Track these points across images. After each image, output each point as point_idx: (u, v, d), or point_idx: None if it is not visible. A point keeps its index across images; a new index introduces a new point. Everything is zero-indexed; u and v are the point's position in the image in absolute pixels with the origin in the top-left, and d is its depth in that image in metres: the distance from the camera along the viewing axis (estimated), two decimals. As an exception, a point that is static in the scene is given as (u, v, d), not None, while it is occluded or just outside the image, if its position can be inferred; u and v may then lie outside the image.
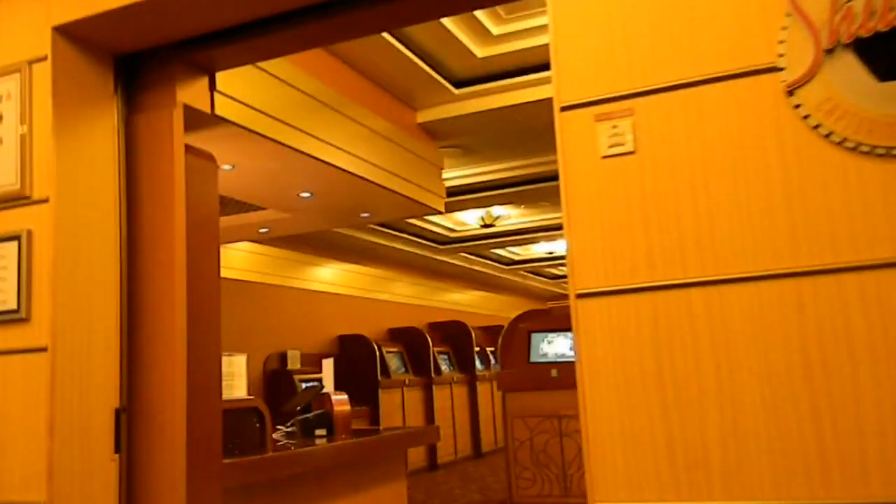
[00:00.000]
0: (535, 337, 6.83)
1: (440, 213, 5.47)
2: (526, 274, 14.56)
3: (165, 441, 2.58)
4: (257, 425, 3.45)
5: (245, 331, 8.24)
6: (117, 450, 2.52)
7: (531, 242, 11.05)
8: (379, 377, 9.44)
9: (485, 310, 15.03)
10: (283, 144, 3.64)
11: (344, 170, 4.12)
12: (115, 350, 2.55)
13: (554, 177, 6.55)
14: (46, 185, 2.39)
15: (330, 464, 3.68)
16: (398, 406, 9.81)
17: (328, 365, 4.76)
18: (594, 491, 1.77)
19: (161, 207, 2.68)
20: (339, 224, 6.05)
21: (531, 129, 5.41)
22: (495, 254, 12.31)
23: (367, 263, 10.56)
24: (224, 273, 7.71)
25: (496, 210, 9.16)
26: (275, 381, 8.21)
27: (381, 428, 8.62)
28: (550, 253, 12.25)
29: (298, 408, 4.69)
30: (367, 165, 4.33)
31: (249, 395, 3.64)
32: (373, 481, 4.14)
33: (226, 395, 3.31)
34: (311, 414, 4.34)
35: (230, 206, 4.85)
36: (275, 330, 8.70)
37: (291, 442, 3.99)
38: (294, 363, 8.50)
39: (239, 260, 8.48)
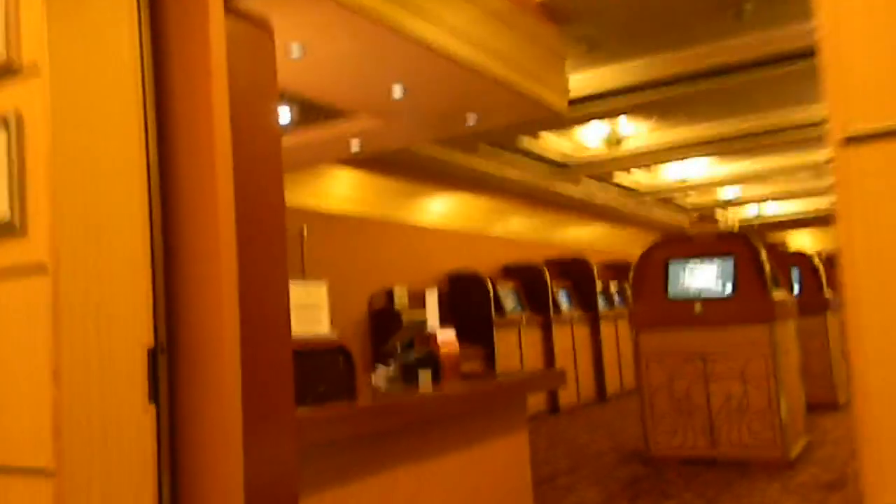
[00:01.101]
0: (673, 267, 5.97)
1: (562, 116, 4.67)
2: (653, 204, 13.48)
3: (214, 387, 2.01)
4: (343, 368, 2.87)
5: (348, 267, 7.77)
6: (152, 399, 1.97)
7: (662, 161, 10.00)
8: (493, 316, 8.83)
9: (607, 245, 14.11)
10: (366, 17, 2.92)
11: (444, 54, 3.37)
12: (144, 273, 1.97)
13: (699, 75, 5.57)
14: (36, 49, 1.80)
15: (434, 415, 3.07)
16: (515, 347, 9.20)
17: (432, 298, 4.14)
18: (879, 488, 1.02)
19: (195, 87, 2.05)
20: (442, 132, 5.29)
21: (676, 9, 4.50)
22: (619, 181, 11.33)
23: (479, 193, 9.88)
24: (324, 204, 7.22)
25: (623, 128, 8.21)
26: (381, 320, 7.74)
27: (496, 371, 8.03)
28: (683, 181, 11.14)
29: (398, 348, 4.12)
30: (474, 49, 3.55)
31: (335, 331, 3.05)
32: (487, 433, 3.51)
33: (303, 330, 2.74)
34: (413, 355, 3.74)
35: (309, 112, 4.23)
36: (380, 266, 8.21)
37: (391, 387, 3.42)
38: (401, 301, 7.99)
39: (341, 190, 7.98)
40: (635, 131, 8.43)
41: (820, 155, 10.76)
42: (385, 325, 7.67)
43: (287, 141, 5.06)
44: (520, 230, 11.17)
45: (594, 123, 8.12)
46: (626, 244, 14.75)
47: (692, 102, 7.19)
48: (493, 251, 10.33)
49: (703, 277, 5.82)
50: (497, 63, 3.72)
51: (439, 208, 9.35)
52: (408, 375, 3.65)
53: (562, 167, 9.81)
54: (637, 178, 11.53)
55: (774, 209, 15.56)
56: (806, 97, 7.82)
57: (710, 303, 5.66)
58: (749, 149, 9.26)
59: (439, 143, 7.85)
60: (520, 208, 10.93)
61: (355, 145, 5.09)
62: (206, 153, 2.00)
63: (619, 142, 8.32)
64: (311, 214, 7.40)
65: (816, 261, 8.68)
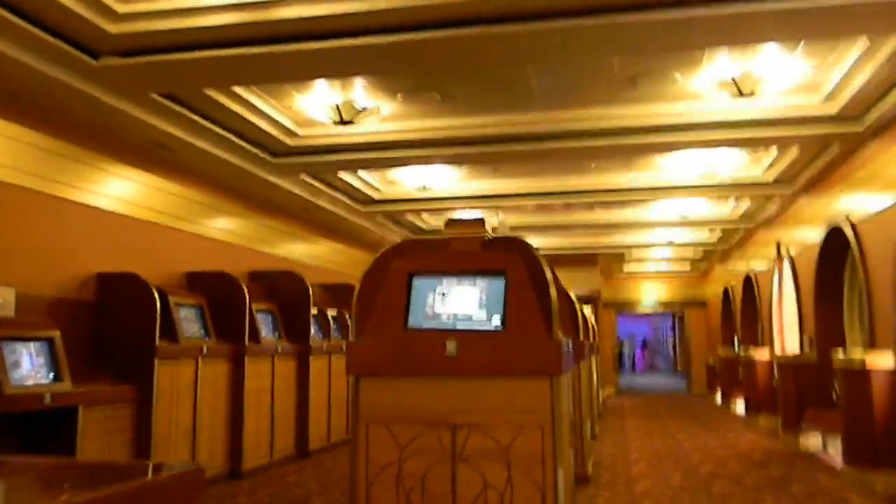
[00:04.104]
0: (419, 284, 4.05)
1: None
2: (383, 221, 11.75)
3: None
4: None
5: None
6: None
7: (398, 164, 8.24)
8: (158, 341, 6.33)
9: (328, 263, 12.09)
10: None
11: None
12: None
13: (463, 20, 3.56)
14: None
15: None
16: (187, 385, 6.75)
17: None
18: None
19: None
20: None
21: None
22: (346, 183, 9.40)
23: (160, 172, 7.35)
24: None
25: (360, 97, 6.25)
26: (-45, 336, 4.94)
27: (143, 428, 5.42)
28: (424, 188, 9.47)
29: None
30: None
31: None
32: None
33: None
34: None
35: None
36: (-25, 253, 5.40)
37: None
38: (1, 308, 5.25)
39: None
40: (374, 107, 6.51)
41: (582, 181, 9.72)
42: (-38, 345, 4.89)
43: None
44: (215, 229, 8.75)
45: (321, 87, 6.10)
46: (350, 265, 12.87)
47: (446, 71, 5.49)
48: (173, 251, 7.81)
49: (462, 302, 3.96)
50: None
51: (97, 183, 6.67)
52: None
53: (278, 154, 7.65)
54: (367, 181, 9.69)
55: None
56: (582, 96, 6.47)
57: (471, 340, 3.80)
58: (505, 158, 7.81)
59: (108, 92, 5.39)
60: (217, 199, 8.53)
61: None
62: None
63: (352, 119, 6.35)
64: None
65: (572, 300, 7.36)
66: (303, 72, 5.30)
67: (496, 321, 3.87)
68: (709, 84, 6.18)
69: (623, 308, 22.40)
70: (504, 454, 3.67)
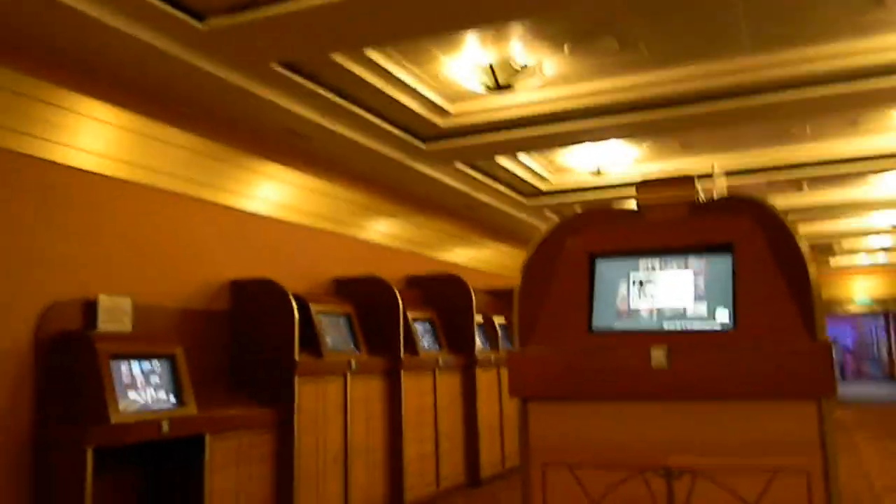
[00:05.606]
0: (606, 269, 2.95)
1: None
2: (553, 216, 10.63)
3: None
4: None
5: (20, 255, 4.40)
6: None
7: (566, 142, 7.13)
8: (298, 355, 5.59)
9: (491, 266, 11.14)
10: None
11: None
12: None
13: None
14: None
15: None
16: (336, 405, 5.98)
17: None
18: None
19: None
20: None
21: None
22: (509, 172, 8.39)
23: (300, 166, 6.68)
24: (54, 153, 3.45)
25: (518, 52, 5.22)
26: (62, 356, 4.37)
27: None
28: (598, 172, 8.28)
29: None
30: None
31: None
32: None
33: None
34: None
35: None
36: (91, 258, 4.85)
37: None
38: (111, 320, 4.64)
39: (90, 140, 4.64)
40: (533, 64, 5.43)
41: (792, 151, 8.16)
42: (70, 366, 4.31)
43: None
44: (369, 232, 8.02)
45: (471, 43, 5.13)
46: (518, 269, 11.86)
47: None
48: (317, 255, 7.13)
49: (670, 292, 2.82)
50: None
51: (229, 179, 6.06)
52: None
53: (427, 139, 6.78)
54: (532, 168, 8.63)
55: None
56: (810, 27, 5.10)
57: (687, 346, 2.66)
58: (701, 122, 6.50)
59: (222, 65, 4.76)
60: (374, 202, 7.81)
61: None
62: None
63: (508, 82, 5.34)
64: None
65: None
66: (445, 15, 4.32)
67: (723, 317, 2.70)
68: None
69: (830, 309, 19.90)
70: (751, 513, 2.49)
